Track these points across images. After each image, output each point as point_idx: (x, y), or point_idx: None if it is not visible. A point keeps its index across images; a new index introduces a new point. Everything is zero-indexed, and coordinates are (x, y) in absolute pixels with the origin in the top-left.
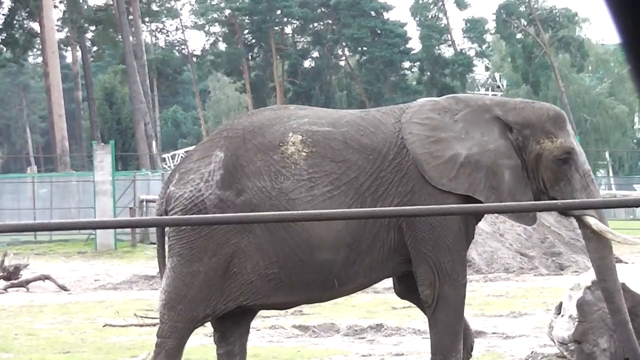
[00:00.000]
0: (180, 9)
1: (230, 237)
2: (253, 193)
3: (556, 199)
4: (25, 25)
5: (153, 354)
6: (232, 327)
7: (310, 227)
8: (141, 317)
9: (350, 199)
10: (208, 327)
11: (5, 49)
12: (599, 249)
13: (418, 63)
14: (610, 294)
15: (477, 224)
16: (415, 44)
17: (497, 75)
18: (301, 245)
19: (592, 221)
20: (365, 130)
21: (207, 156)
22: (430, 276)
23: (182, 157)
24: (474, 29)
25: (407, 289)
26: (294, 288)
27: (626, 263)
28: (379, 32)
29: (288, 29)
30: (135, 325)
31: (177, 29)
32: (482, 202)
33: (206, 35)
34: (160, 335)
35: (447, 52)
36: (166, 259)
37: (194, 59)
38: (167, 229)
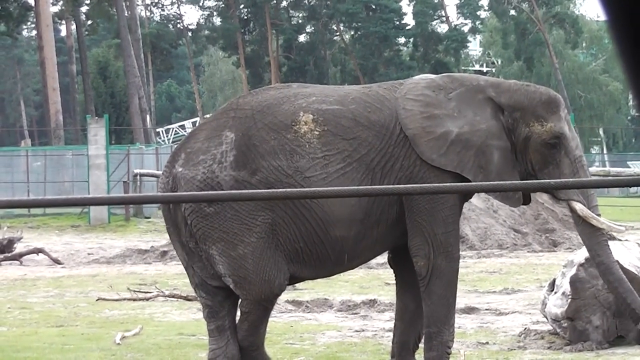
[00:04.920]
0: None
1: (256, 215)
2: (269, 172)
3: None
4: None
5: (239, 321)
6: (222, 303)
7: (327, 204)
8: (134, 291)
9: (361, 175)
10: None
11: None
12: (586, 229)
13: (413, 39)
14: (607, 267)
15: (465, 200)
16: (410, 20)
17: (490, 51)
18: (319, 221)
19: (578, 207)
20: (372, 107)
21: (216, 136)
22: (425, 247)
23: (176, 131)
24: (468, 4)
25: (401, 261)
26: (314, 263)
27: (620, 240)
28: (374, 7)
29: (283, 4)
30: (128, 299)
31: (172, 3)
32: (469, 181)
33: (201, 10)
34: (241, 306)
35: (441, 28)
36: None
37: (189, 33)
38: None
